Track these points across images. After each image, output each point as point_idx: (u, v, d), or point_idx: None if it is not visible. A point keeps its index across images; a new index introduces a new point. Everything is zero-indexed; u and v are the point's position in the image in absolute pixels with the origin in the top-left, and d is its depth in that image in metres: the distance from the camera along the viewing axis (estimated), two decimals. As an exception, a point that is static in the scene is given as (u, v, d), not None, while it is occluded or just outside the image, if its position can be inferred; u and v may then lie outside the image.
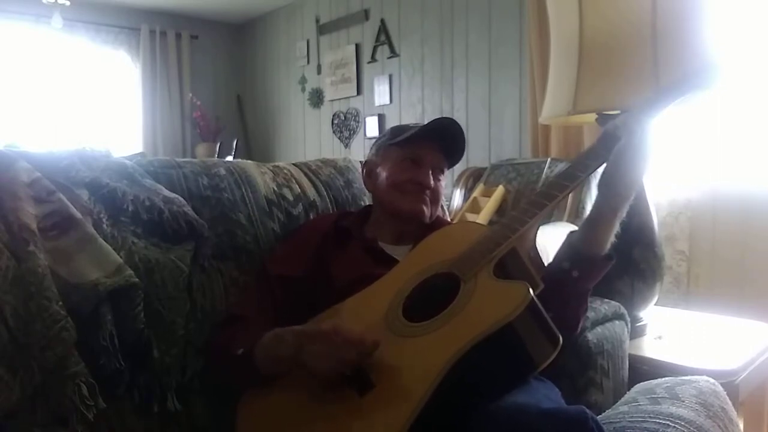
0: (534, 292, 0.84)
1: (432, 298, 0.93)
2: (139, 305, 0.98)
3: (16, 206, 0.94)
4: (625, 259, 1.02)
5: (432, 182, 1.16)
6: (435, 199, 1.18)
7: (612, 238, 0.95)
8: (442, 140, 1.18)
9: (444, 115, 1.24)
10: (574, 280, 0.95)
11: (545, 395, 0.89)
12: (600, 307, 1.22)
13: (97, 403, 0.88)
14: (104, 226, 1.04)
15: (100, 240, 0.99)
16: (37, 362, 0.86)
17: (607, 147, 0.96)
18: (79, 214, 1.00)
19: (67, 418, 0.86)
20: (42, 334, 0.86)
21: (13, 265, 0.89)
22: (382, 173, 1.21)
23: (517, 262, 0.94)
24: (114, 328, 0.95)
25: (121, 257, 1.00)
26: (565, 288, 0.95)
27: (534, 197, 0.98)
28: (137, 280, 0.98)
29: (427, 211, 1.17)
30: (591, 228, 0.95)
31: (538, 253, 1.01)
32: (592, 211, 0.96)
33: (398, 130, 1.22)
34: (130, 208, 1.08)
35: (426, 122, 1.17)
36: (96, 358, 0.92)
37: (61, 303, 0.89)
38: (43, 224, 0.96)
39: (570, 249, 0.97)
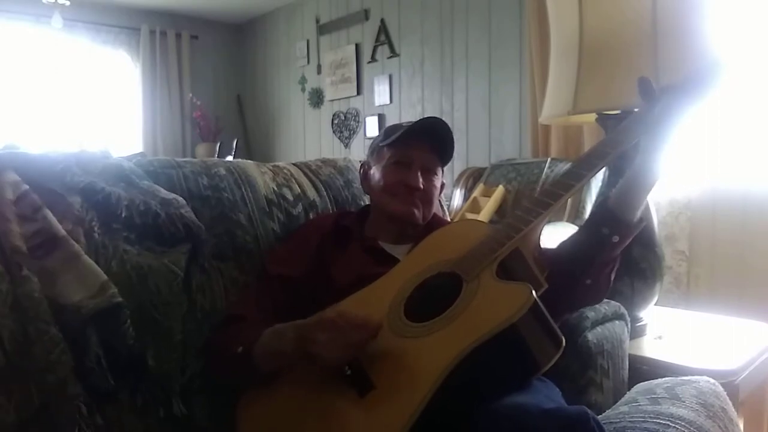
0: (537, 293, 0.83)
1: (434, 297, 0.92)
2: (125, 322, 0.96)
3: (6, 228, 0.93)
4: (625, 259, 1.02)
5: (421, 184, 1.16)
6: (426, 200, 1.18)
7: (645, 202, 0.99)
8: (431, 140, 1.18)
9: (444, 115, 1.24)
10: (614, 244, 0.97)
11: (546, 395, 0.88)
12: (600, 307, 1.22)
13: (95, 421, 0.89)
14: (95, 235, 1.03)
15: (84, 257, 0.97)
16: (36, 386, 0.86)
17: (633, 130, 0.96)
18: (63, 232, 0.97)
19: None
20: (42, 358, 0.86)
21: (11, 290, 0.88)
22: (376, 175, 1.22)
23: (520, 262, 0.93)
24: (100, 349, 0.93)
25: (112, 266, 0.99)
26: (605, 253, 0.98)
27: (538, 196, 0.98)
28: (120, 299, 0.95)
29: (417, 213, 1.17)
30: (631, 195, 0.96)
31: (542, 253, 1.00)
32: (630, 178, 0.96)
33: (391, 130, 1.22)
34: (123, 214, 1.06)
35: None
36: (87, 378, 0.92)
37: (58, 326, 0.89)
38: (30, 243, 0.94)
39: (607, 216, 0.98)
